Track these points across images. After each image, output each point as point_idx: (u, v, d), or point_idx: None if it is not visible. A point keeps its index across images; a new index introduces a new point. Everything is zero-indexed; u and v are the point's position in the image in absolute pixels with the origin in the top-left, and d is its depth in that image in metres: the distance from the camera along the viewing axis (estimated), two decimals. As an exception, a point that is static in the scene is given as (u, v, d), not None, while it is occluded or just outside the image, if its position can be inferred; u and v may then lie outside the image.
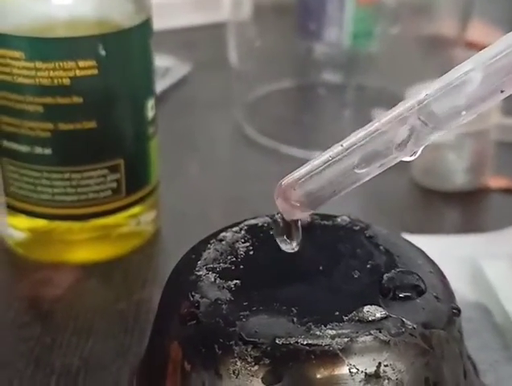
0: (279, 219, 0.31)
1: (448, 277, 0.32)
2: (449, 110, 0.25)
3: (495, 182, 0.52)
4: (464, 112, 0.25)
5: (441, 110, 0.25)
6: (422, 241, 0.34)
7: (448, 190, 0.51)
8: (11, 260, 0.44)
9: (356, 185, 0.28)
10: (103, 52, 0.39)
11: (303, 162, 0.56)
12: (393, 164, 0.27)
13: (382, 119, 0.27)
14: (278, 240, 0.31)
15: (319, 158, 0.28)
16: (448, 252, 0.40)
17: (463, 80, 0.25)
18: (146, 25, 0.41)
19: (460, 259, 0.42)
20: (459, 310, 0.30)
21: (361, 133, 0.27)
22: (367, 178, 0.28)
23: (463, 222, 0.50)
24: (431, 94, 0.26)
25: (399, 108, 0.26)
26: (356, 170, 0.27)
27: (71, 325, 0.39)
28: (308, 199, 0.29)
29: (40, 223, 0.42)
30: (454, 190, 0.51)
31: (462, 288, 0.39)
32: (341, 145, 0.27)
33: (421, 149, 0.27)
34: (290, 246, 0.31)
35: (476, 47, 0.58)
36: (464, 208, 0.51)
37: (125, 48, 0.40)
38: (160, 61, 0.43)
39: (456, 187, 0.51)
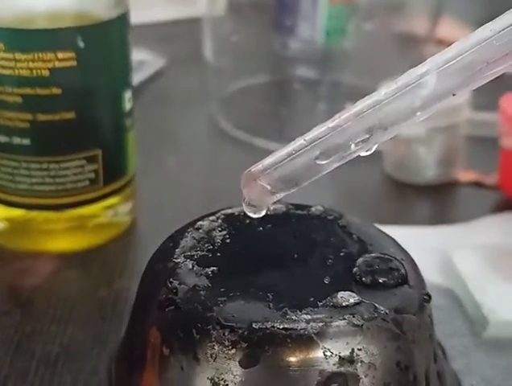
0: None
1: (419, 266, 0.33)
2: (405, 110, 0.27)
3: (465, 175, 0.53)
4: (418, 113, 0.27)
5: (397, 110, 0.27)
6: (394, 232, 0.35)
7: (419, 183, 0.52)
8: (-11, 250, 0.44)
9: (318, 176, 0.29)
10: (82, 44, 0.40)
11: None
12: (352, 158, 0.28)
13: (343, 115, 0.28)
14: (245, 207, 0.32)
15: (282, 150, 0.29)
16: (419, 243, 0.41)
17: (419, 83, 0.26)
18: (124, 18, 0.42)
19: (431, 249, 0.43)
20: (429, 296, 0.31)
21: (322, 128, 0.28)
22: (328, 170, 0.29)
23: (433, 214, 0.51)
24: (388, 94, 0.27)
25: (359, 106, 0.27)
26: (317, 162, 0.28)
27: (50, 313, 0.39)
28: (273, 188, 0.30)
29: (18, 212, 0.43)
30: (425, 183, 0.52)
31: (433, 277, 0.40)
32: (304, 140, 0.29)
33: (376, 146, 0.28)
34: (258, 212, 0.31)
35: (446, 43, 0.59)
36: (435, 201, 0.52)
37: (104, 40, 0.41)
38: (135, 55, 0.44)
39: (427, 180, 0.52)
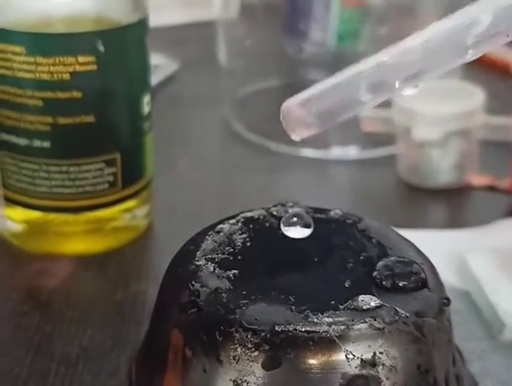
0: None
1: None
2: (456, 48, 0.26)
3: (478, 179, 0.53)
4: (470, 52, 0.26)
5: (448, 48, 0.26)
6: (409, 235, 0.35)
7: (433, 187, 0.52)
8: (8, 252, 0.45)
9: (359, 111, 0.28)
10: (102, 48, 0.40)
11: (290, 157, 0.57)
12: (396, 94, 0.28)
13: (392, 51, 0.27)
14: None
15: (327, 81, 0.28)
16: (434, 246, 0.41)
17: (473, 21, 0.25)
18: (143, 22, 0.42)
19: (446, 253, 0.43)
20: (449, 300, 0.31)
21: (370, 62, 0.27)
22: (370, 106, 0.28)
23: (447, 218, 0.51)
24: (439, 31, 0.26)
25: (408, 43, 0.27)
26: (360, 97, 0.28)
27: (69, 314, 0.39)
28: (313, 119, 0.29)
29: (36, 215, 0.43)
30: (439, 187, 0.52)
31: (449, 280, 0.40)
32: (350, 72, 0.28)
33: (421, 84, 0.27)
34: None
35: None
36: (449, 205, 0.52)
37: (123, 45, 0.41)
38: (149, 58, 0.44)
39: (441, 185, 0.52)
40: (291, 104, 0.29)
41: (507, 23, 0.25)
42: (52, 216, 0.43)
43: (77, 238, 0.44)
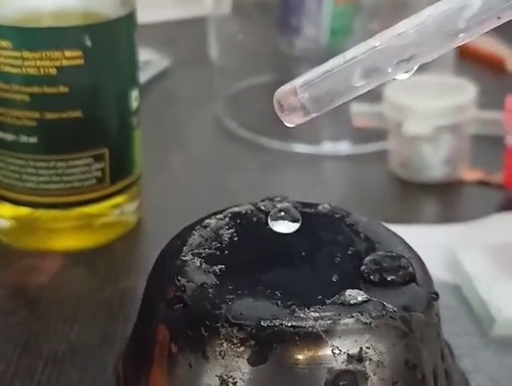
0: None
1: (425, 264, 0.33)
2: (448, 32, 0.26)
3: (470, 174, 0.53)
4: (461, 35, 0.26)
5: (440, 31, 0.26)
6: (400, 230, 0.35)
7: (425, 182, 0.52)
8: (-4, 249, 0.44)
9: (352, 97, 0.28)
10: (89, 43, 0.40)
11: (282, 153, 0.57)
12: (389, 79, 0.28)
13: (384, 36, 0.27)
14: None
15: (320, 68, 0.28)
16: (425, 242, 0.41)
17: (464, 4, 0.25)
18: (130, 17, 0.42)
19: (437, 248, 0.43)
20: (437, 295, 0.31)
21: (361, 48, 0.27)
22: (363, 91, 0.28)
23: (439, 213, 0.51)
24: (432, 14, 0.26)
25: (401, 27, 0.26)
26: (353, 82, 0.28)
27: (57, 311, 0.39)
28: (306, 106, 0.28)
29: (24, 211, 0.43)
30: (430, 182, 0.52)
31: (439, 275, 0.40)
32: (343, 57, 0.27)
33: (416, 68, 0.27)
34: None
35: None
36: (440, 200, 0.52)
37: (111, 39, 0.41)
38: (140, 55, 0.44)
39: (433, 179, 0.52)
40: (285, 90, 0.29)
41: (497, 6, 0.25)
42: (40, 212, 0.43)
43: (66, 234, 0.44)
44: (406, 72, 0.27)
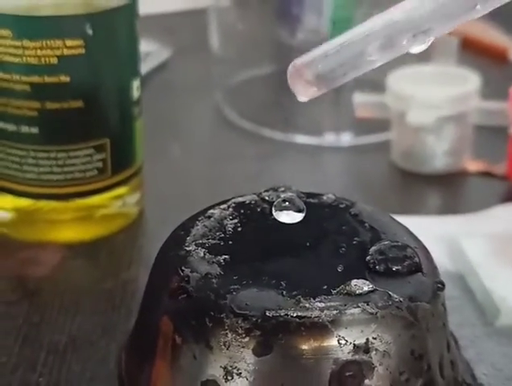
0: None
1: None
2: (465, 3, 0.26)
3: (473, 165, 0.52)
4: (478, 7, 0.25)
5: (456, 3, 0.26)
6: (404, 221, 0.35)
7: (427, 172, 0.52)
8: (-4, 240, 0.44)
9: (366, 70, 0.28)
10: (90, 31, 0.39)
11: (283, 144, 0.57)
12: (403, 52, 0.27)
13: (400, 8, 0.27)
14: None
15: (334, 41, 0.28)
16: (428, 232, 0.41)
17: None
18: (132, 6, 0.42)
19: (440, 238, 0.43)
20: (443, 285, 0.31)
21: (377, 20, 0.27)
22: (377, 64, 0.28)
23: (442, 203, 0.51)
24: None
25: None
26: (367, 56, 0.27)
27: (58, 303, 0.39)
28: (320, 79, 0.28)
29: (25, 202, 0.43)
30: (433, 172, 0.52)
31: (444, 266, 0.40)
32: (357, 30, 0.27)
33: (430, 41, 0.27)
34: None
35: (456, 32, 0.59)
36: (443, 190, 0.52)
37: (112, 28, 0.41)
38: (141, 45, 0.44)
39: (435, 170, 0.52)
40: (298, 63, 0.28)
41: None
42: (41, 204, 0.42)
43: (67, 226, 0.43)
44: (422, 45, 0.27)
